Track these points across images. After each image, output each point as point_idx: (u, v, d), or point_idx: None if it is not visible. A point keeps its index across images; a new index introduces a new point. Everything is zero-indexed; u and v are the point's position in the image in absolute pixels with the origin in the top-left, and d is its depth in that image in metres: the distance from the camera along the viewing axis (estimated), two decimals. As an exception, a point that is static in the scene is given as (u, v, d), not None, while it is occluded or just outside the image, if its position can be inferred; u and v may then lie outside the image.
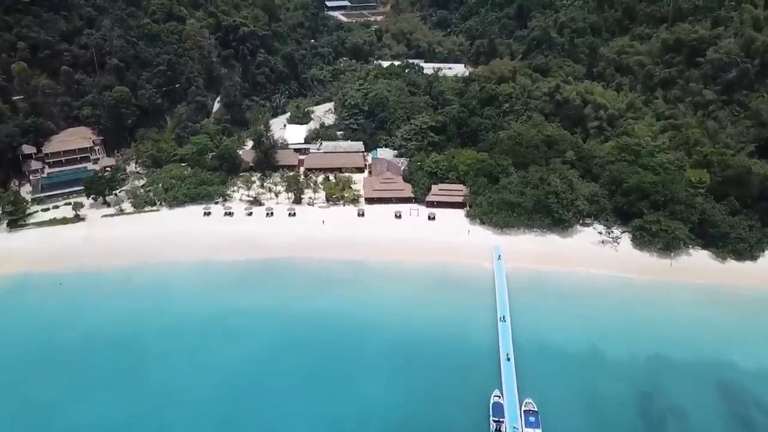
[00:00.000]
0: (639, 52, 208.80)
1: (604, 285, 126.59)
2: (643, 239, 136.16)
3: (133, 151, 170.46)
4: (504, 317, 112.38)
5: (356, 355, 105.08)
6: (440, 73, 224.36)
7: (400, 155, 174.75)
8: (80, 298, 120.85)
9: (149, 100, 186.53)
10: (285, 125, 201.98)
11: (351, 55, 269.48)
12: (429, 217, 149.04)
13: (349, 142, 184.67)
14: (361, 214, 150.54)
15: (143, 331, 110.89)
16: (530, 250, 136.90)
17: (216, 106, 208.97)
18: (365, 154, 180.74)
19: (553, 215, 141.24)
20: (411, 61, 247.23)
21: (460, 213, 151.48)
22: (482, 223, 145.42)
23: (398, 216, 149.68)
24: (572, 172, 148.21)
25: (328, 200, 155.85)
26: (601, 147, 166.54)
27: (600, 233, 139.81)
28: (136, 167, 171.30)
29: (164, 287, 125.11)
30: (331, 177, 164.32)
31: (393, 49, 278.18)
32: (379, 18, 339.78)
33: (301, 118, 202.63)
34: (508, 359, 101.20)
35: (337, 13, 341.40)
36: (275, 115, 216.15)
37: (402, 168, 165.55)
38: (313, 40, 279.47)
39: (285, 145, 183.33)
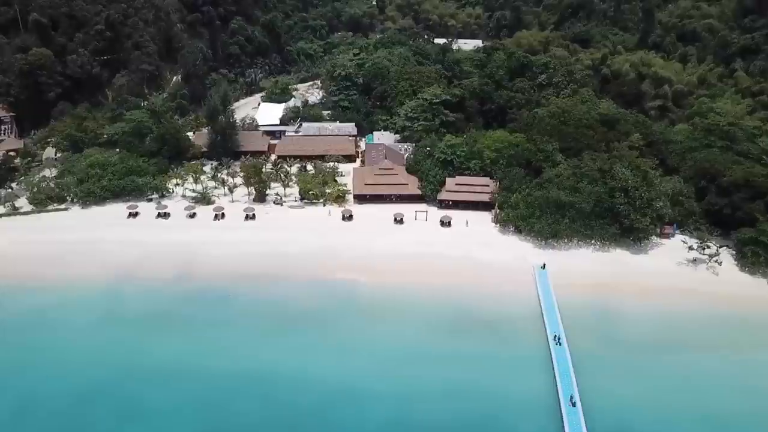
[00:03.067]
0: (708, 14, 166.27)
1: (707, 327, 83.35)
2: (757, 258, 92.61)
3: (48, 132, 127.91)
4: (573, 397, 68.72)
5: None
6: (454, 46, 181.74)
7: (403, 140, 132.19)
8: None
9: (82, 68, 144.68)
10: (259, 104, 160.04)
11: (348, 28, 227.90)
12: (442, 223, 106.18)
13: (337, 123, 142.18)
14: (347, 218, 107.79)
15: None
16: (590, 272, 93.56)
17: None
18: (358, 138, 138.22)
19: (622, 221, 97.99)
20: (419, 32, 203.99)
21: (485, 217, 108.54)
22: (518, 231, 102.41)
23: (399, 220, 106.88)
24: (646, 162, 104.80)
25: (302, 198, 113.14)
26: (675, 130, 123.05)
27: (690, 248, 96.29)
28: (55, 154, 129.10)
29: (43, 324, 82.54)
30: (310, 167, 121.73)
31: (398, 22, 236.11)
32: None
33: (278, 95, 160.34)
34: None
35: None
36: (250, 93, 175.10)
37: (405, 156, 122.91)
38: (305, 14, 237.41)
39: (254, 127, 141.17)
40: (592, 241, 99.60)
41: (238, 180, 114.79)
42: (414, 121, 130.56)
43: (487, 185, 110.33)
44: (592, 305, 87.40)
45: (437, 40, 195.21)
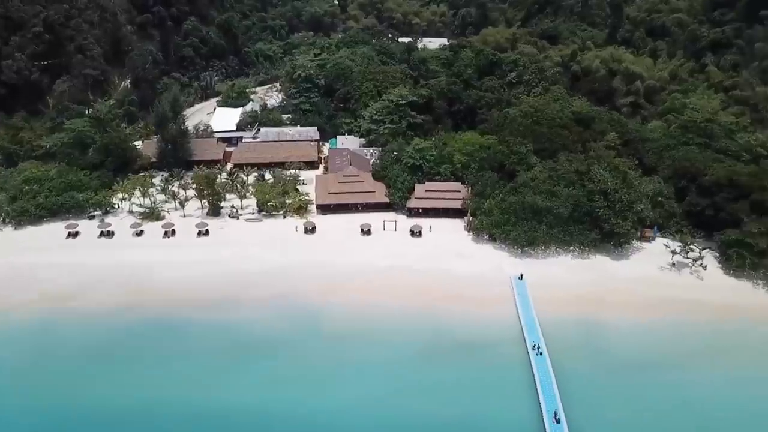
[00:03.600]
0: (677, 9, 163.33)
1: (697, 340, 78.14)
2: (742, 261, 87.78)
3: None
4: (557, 413, 63.19)
5: None
6: (419, 45, 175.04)
7: (369, 144, 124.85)
8: None
9: (19, 74, 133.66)
10: (215, 108, 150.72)
11: (309, 28, 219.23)
12: (412, 232, 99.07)
13: (298, 127, 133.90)
14: (309, 230, 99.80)
15: None
16: (571, 281, 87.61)
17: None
18: (320, 143, 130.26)
19: (602, 226, 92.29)
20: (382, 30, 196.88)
21: (457, 224, 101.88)
22: (493, 239, 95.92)
23: (366, 231, 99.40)
24: (624, 162, 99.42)
25: (261, 210, 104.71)
26: (651, 128, 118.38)
27: (673, 252, 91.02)
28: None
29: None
30: (269, 175, 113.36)
31: (360, 21, 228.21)
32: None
33: (235, 99, 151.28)
34: None
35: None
36: (205, 97, 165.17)
37: (371, 161, 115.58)
38: (263, 13, 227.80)
39: (209, 134, 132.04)
40: (571, 248, 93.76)
41: (190, 192, 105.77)
42: (379, 123, 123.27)
43: (459, 191, 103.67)
44: (574, 319, 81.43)
45: (402, 39, 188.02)
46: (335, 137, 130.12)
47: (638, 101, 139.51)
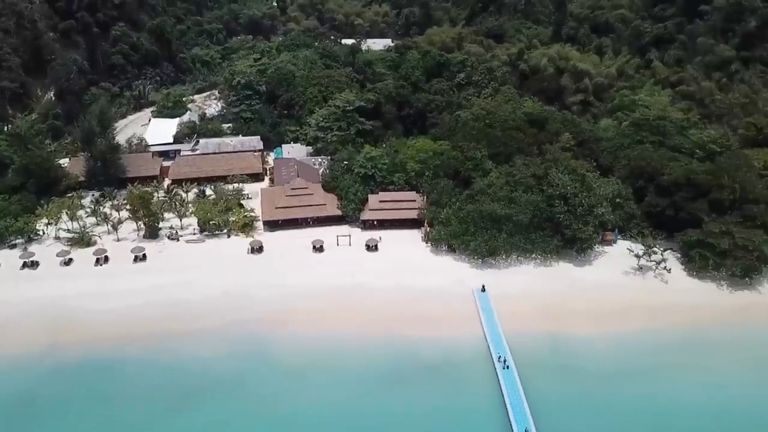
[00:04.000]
0: (618, 5, 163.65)
1: (667, 348, 75.80)
2: (705, 261, 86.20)
3: None
4: (527, 429, 59.70)
5: None
6: (363, 46, 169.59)
7: (316, 152, 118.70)
8: None
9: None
10: (150, 120, 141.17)
11: (247, 31, 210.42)
12: (368, 247, 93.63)
13: (240, 137, 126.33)
14: (256, 250, 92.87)
15: None
16: (535, 291, 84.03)
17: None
18: (265, 153, 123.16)
19: (563, 232, 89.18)
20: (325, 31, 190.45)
21: (415, 235, 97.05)
22: (452, 249, 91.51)
23: (318, 248, 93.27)
24: (582, 164, 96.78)
25: (203, 230, 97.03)
26: (603, 126, 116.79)
27: (637, 255, 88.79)
28: None
29: None
30: (210, 191, 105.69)
31: (301, 23, 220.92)
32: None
33: (171, 108, 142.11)
34: None
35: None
36: (139, 107, 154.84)
37: (321, 171, 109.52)
38: (199, 17, 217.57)
39: (143, 147, 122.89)
40: (533, 255, 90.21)
41: (124, 214, 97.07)
42: (327, 131, 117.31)
43: (414, 200, 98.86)
44: (540, 330, 77.94)
45: (345, 41, 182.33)
46: (280, 146, 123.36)
47: (588, 99, 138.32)
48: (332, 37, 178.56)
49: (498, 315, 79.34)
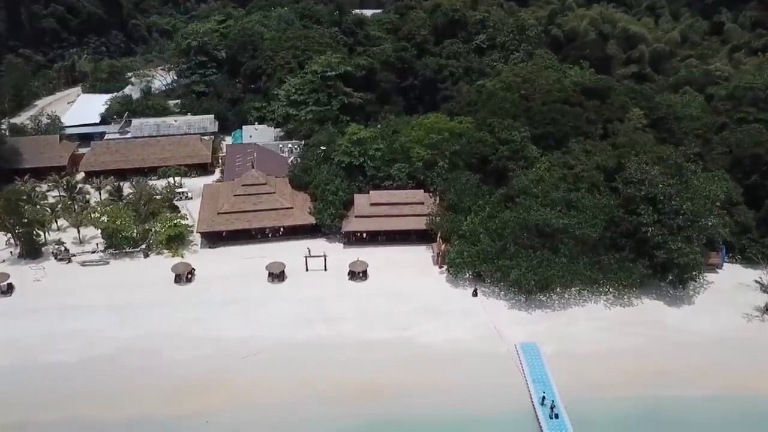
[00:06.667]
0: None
1: None
2: None
3: None
4: None
5: None
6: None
7: (287, 136, 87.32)
8: None
9: None
10: (79, 96, 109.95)
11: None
12: (352, 274, 62.12)
13: (188, 116, 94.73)
14: (184, 278, 61.13)
15: None
16: (615, 349, 53.21)
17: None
18: (220, 138, 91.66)
19: (653, 254, 57.56)
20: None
21: (422, 255, 65.55)
22: (478, 279, 60.07)
23: (277, 276, 61.52)
24: (674, 150, 65.25)
25: (109, 245, 65.23)
26: (681, 102, 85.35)
27: (764, 288, 57.56)
28: None
29: None
30: (128, 188, 74.11)
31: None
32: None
33: (105, 82, 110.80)
34: None
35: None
36: (72, 82, 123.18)
37: (290, 160, 78.07)
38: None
39: (58, 129, 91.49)
40: (605, 289, 58.85)
41: (-8, 222, 65.49)
42: (300, 106, 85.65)
43: (422, 203, 67.30)
44: (627, 412, 47.11)
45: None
46: (240, 128, 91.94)
47: (643, 71, 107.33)
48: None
49: (558, 388, 48.43)
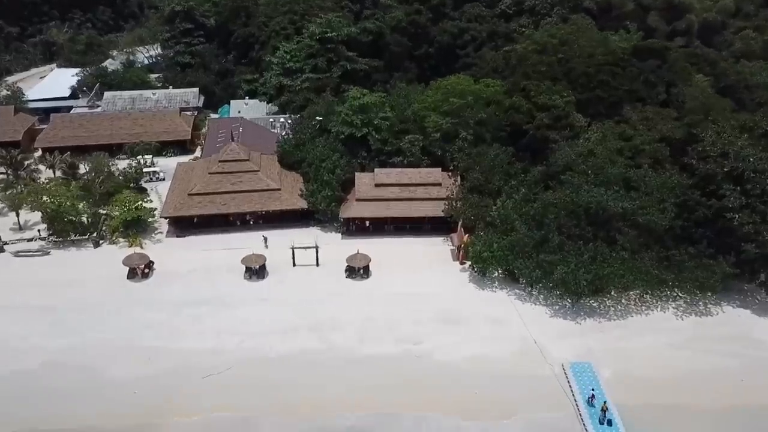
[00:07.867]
0: None
1: None
2: None
3: None
4: None
5: None
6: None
7: (281, 110, 74.74)
8: None
9: None
10: (52, 70, 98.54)
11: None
12: (351, 271, 49.27)
13: (168, 90, 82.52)
14: (138, 273, 48.58)
15: None
16: (688, 370, 39.98)
17: None
18: (204, 114, 79.38)
19: (740, 248, 44.10)
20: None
21: (439, 248, 52.50)
22: (513, 278, 46.97)
23: (256, 272, 48.83)
24: (764, 120, 51.66)
25: (52, 233, 52.85)
26: (751, 68, 71.70)
27: None
28: None
29: None
30: (85, 167, 61.77)
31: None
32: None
33: (82, 55, 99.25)
34: None
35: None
36: (50, 58, 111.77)
37: (279, 135, 65.43)
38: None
39: (18, 102, 79.74)
40: (675, 293, 45.59)
41: None
42: (296, 75, 73.00)
43: (439, 183, 54.29)
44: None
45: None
46: (228, 104, 79.66)
47: (691, 44, 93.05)
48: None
49: (621, 421, 35.43)
